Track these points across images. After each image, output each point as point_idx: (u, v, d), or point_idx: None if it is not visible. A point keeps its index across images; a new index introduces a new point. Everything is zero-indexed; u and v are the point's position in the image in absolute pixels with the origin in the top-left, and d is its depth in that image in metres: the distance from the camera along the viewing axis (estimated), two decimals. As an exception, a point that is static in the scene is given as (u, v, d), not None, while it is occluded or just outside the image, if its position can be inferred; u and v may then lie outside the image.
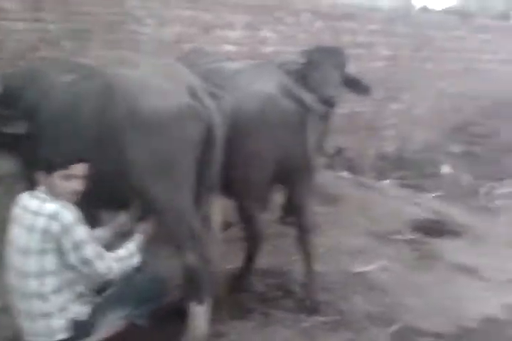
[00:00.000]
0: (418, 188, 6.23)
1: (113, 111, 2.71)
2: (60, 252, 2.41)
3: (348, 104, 4.64)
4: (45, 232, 2.37)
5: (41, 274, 2.42)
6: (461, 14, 9.25)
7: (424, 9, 9.79)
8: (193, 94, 2.83)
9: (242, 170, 3.30)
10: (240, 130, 3.17)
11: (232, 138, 3.06)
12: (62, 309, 2.50)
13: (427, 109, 7.47)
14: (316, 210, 3.95)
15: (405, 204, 5.58)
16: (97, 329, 2.62)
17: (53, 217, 2.37)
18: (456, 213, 5.49)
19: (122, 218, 2.94)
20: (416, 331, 3.46)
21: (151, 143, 2.69)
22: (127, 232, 2.88)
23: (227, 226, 3.99)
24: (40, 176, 2.49)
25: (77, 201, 2.53)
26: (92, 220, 2.66)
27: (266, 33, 6.72)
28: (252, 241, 3.59)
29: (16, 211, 2.51)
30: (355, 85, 4.27)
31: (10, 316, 2.64)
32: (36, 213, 2.40)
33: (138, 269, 2.75)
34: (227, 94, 3.15)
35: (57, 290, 2.46)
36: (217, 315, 3.07)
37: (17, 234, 2.46)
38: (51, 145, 2.71)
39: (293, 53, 4.39)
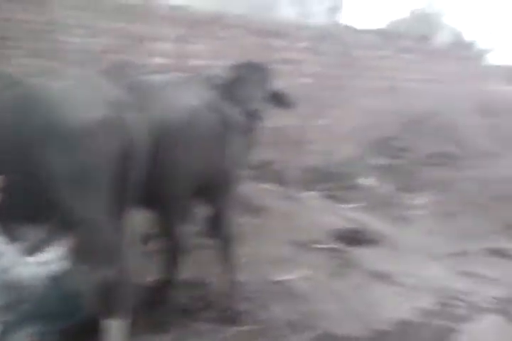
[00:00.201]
0: (341, 199, 6.50)
1: (31, 122, 2.69)
2: None
3: (276, 118, 4.78)
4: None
5: None
6: (386, 35, 9.77)
7: (352, 29, 10.24)
8: (113, 107, 2.85)
9: (164, 183, 3.33)
10: (162, 143, 3.21)
11: (154, 151, 3.08)
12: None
13: (351, 125, 7.82)
14: (239, 221, 4.04)
15: (328, 214, 5.80)
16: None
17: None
18: (375, 223, 5.78)
19: (38, 232, 2.90)
20: (333, 337, 3.59)
21: (67, 155, 2.68)
22: (44, 246, 2.83)
23: (148, 238, 4.01)
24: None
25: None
26: (9, 234, 2.62)
27: (197, 46, 6.82)
28: (174, 253, 3.58)
29: None
30: (280, 100, 4.45)
31: None
32: None
33: (51, 283, 2.70)
34: (151, 107, 3.20)
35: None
36: (134, 329, 3.04)
37: None
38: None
39: (222, 68, 4.50)
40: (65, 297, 2.78)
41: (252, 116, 4.05)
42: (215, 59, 6.55)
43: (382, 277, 4.56)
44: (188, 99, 3.44)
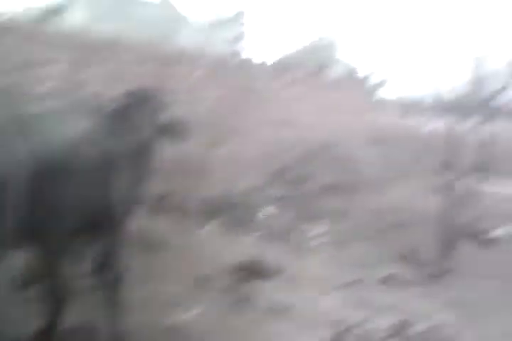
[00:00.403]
0: (241, 231, 6.44)
1: None
2: None
3: (173, 148, 4.63)
4: None
5: None
6: (283, 66, 10.06)
7: (251, 59, 10.45)
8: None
9: (45, 220, 3.06)
10: (43, 177, 2.95)
11: (35, 185, 2.83)
12: None
13: (251, 155, 7.86)
14: (132, 259, 3.81)
15: (227, 247, 5.70)
16: None
17: None
18: (274, 254, 5.75)
19: None
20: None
21: None
22: None
23: (29, 281, 3.68)
24: None
25: None
26: None
27: (91, 71, 6.56)
28: (58, 297, 3.34)
29: None
30: (175, 129, 4.31)
31: None
32: None
33: None
34: (31, 138, 2.93)
35: None
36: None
37: None
38: None
39: (115, 95, 4.30)
40: None
41: (145, 146, 3.87)
42: (109, 85, 6.30)
43: (279, 311, 4.50)
44: (72, 130, 3.21)
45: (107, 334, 3.56)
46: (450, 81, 15.23)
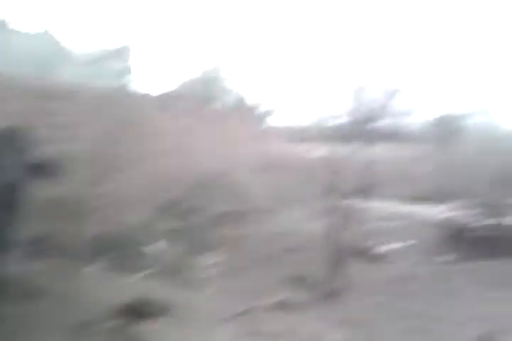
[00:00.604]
0: (128, 269, 6.17)
1: None
2: None
3: (52, 187, 4.39)
4: None
5: None
6: (171, 98, 10.05)
7: (137, 92, 10.35)
8: None
9: None
10: None
11: None
12: None
13: (137, 189, 7.67)
14: (7, 309, 3.50)
15: (112, 287, 5.41)
16: None
17: None
18: (164, 291, 5.55)
19: None
20: None
21: None
22: None
23: None
24: None
25: None
26: None
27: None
28: None
29: None
30: (45, 168, 4.11)
31: None
32: None
33: None
34: None
35: None
36: None
37: None
38: None
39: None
40: None
41: (11, 186, 3.64)
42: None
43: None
44: None
45: None
46: (333, 109, 16.10)
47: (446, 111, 22.94)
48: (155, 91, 11.28)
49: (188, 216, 7.63)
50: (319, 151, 10.44)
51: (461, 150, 15.75)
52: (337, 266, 7.15)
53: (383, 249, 9.29)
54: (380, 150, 15.67)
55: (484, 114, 22.01)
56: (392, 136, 17.92)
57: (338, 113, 15.67)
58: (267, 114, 16.52)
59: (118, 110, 8.02)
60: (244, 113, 13.64)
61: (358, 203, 9.16)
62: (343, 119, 15.46)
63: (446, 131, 21.22)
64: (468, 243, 9.36)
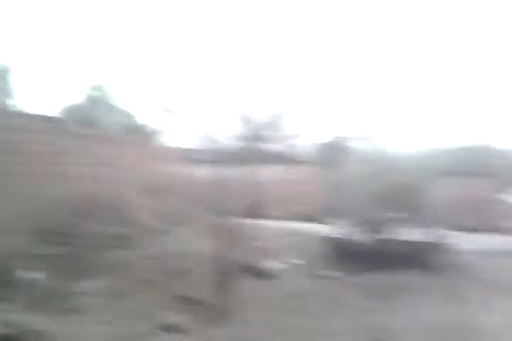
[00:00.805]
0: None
1: None
2: None
3: None
4: None
5: None
6: (56, 120, 9.55)
7: (21, 113, 9.75)
8: None
9: None
10: None
11: None
12: None
13: (12, 213, 7.08)
14: None
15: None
16: None
17: None
18: (38, 322, 5.06)
19: None
20: None
21: None
22: None
23: None
24: None
25: None
26: None
27: None
28: None
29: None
30: None
31: None
32: None
33: None
34: None
35: None
36: None
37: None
38: None
39: None
40: None
41: None
42: None
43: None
44: None
45: None
46: (223, 131, 16.25)
47: (333, 135, 24.26)
48: (39, 113, 10.61)
49: (70, 240, 7.15)
50: (208, 172, 10.40)
51: (346, 171, 16.60)
52: (226, 286, 7.07)
53: (273, 266, 9.39)
54: (268, 172, 16.06)
55: (368, 139, 23.57)
56: (281, 158, 18.51)
57: (227, 135, 15.84)
58: (157, 134, 16.29)
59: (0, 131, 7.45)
60: (133, 134, 13.31)
61: (246, 222, 9.21)
62: (233, 141, 15.66)
63: (332, 154, 22.36)
64: (353, 258, 9.77)
